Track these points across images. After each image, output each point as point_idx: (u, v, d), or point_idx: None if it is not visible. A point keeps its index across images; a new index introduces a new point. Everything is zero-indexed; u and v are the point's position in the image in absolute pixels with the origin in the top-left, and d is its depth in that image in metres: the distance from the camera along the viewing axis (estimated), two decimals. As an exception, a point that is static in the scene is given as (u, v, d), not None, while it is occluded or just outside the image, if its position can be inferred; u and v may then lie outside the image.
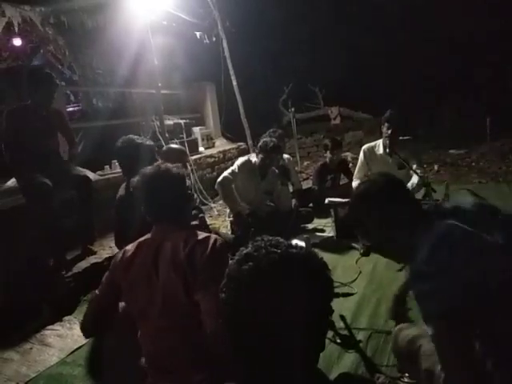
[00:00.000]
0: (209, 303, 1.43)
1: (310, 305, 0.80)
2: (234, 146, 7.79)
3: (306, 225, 4.36)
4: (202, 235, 1.60)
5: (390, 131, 3.84)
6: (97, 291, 1.73)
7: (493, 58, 9.19)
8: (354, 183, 4.14)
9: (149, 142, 2.89)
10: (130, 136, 2.82)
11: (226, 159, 7.04)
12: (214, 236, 1.60)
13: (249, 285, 0.79)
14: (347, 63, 10.21)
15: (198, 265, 1.50)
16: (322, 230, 4.20)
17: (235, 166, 4.07)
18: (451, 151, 7.81)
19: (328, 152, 4.85)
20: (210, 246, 1.53)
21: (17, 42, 6.19)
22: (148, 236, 1.69)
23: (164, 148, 3.78)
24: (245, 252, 0.84)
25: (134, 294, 1.60)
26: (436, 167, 6.76)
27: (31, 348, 2.54)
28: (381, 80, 9.61)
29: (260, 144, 4.10)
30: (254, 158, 4.21)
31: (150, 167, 1.77)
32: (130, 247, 1.67)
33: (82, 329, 1.79)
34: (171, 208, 1.68)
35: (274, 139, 4.13)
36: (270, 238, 0.86)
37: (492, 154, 7.11)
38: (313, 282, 0.82)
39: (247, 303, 0.79)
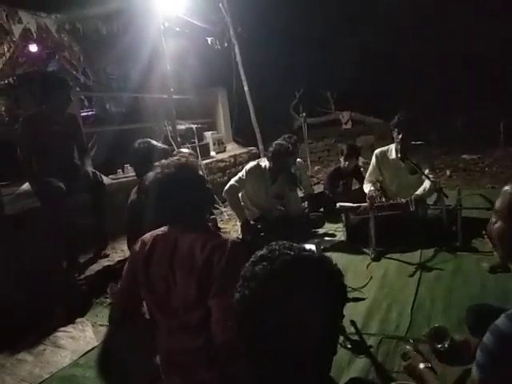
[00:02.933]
0: (219, 312, 1.42)
1: (322, 306, 0.80)
2: (245, 150, 7.81)
3: (317, 229, 4.34)
4: (218, 239, 1.55)
5: (400, 136, 3.83)
6: (118, 285, 1.72)
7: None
8: (365, 187, 4.11)
9: (164, 146, 2.93)
10: (147, 138, 2.86)
11: (236, 163, 7.05)
12: (231, 240, 1.56)
13: (261, 285, 0.80)
14: (359, 68, 10.18)
15: (214, 271, 1.47)
16: (333, 235, 4.17)
17: (243, 172, 4.08)
18: (464, 156, 7.72)
19: (342, 158, 4.84)
20: (227, 252, 1.48)
21: (33, 48, 6.32)
22: (164, 229, 1.63)
23: (174, 153, 3.82)
24: (260, 254, 0.86)
25: (152, 294, 1.60)
26: (448, 172, 6.69)
27: (44, 349, 2.57)
28: (392, 85, 9.55)
29: (274, 148, 4.05)
30: (263, 162, 4.20)
31: (162, 161, 1.66)
32: (148, 239, 1.62)
33: (110, 321, 1.77)
34: (187, 210, 1.59)
35: (287, 143, 4.14)
36: (285, 242, 0.88)
37: (505, 159, 7.02)
38: (325, 284, 0.83)
39: (259, 303, 0.80)
